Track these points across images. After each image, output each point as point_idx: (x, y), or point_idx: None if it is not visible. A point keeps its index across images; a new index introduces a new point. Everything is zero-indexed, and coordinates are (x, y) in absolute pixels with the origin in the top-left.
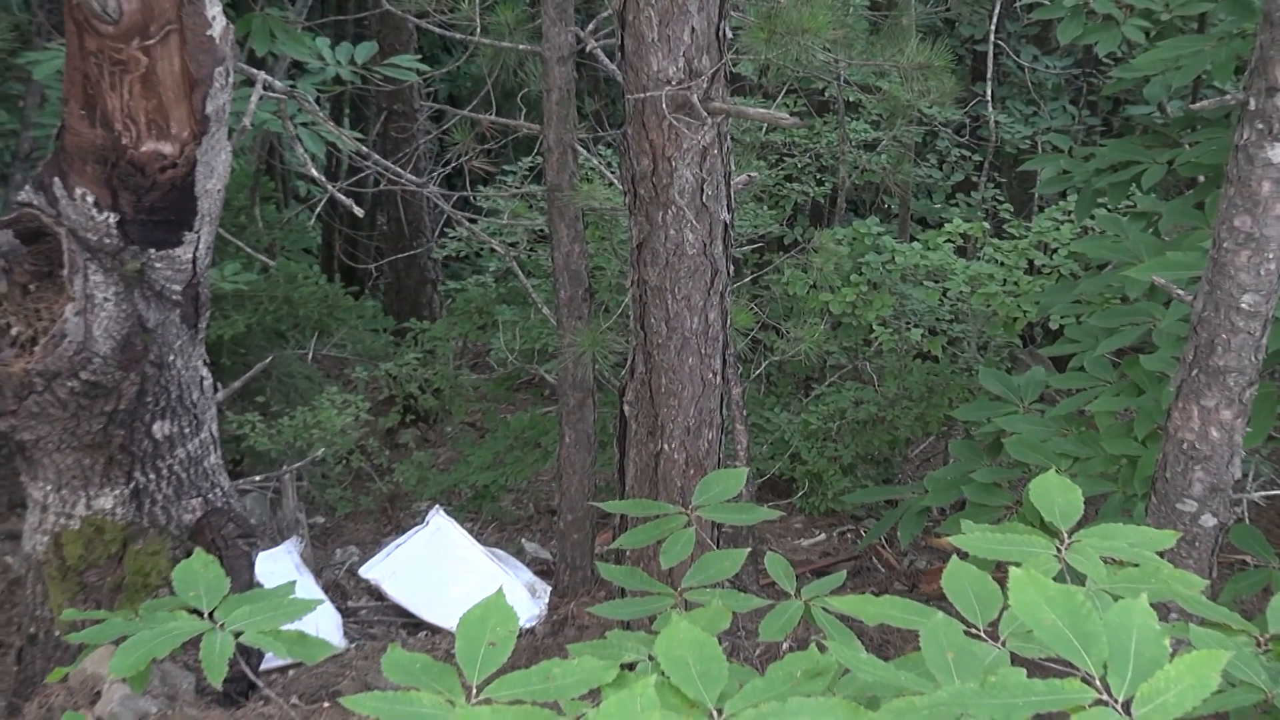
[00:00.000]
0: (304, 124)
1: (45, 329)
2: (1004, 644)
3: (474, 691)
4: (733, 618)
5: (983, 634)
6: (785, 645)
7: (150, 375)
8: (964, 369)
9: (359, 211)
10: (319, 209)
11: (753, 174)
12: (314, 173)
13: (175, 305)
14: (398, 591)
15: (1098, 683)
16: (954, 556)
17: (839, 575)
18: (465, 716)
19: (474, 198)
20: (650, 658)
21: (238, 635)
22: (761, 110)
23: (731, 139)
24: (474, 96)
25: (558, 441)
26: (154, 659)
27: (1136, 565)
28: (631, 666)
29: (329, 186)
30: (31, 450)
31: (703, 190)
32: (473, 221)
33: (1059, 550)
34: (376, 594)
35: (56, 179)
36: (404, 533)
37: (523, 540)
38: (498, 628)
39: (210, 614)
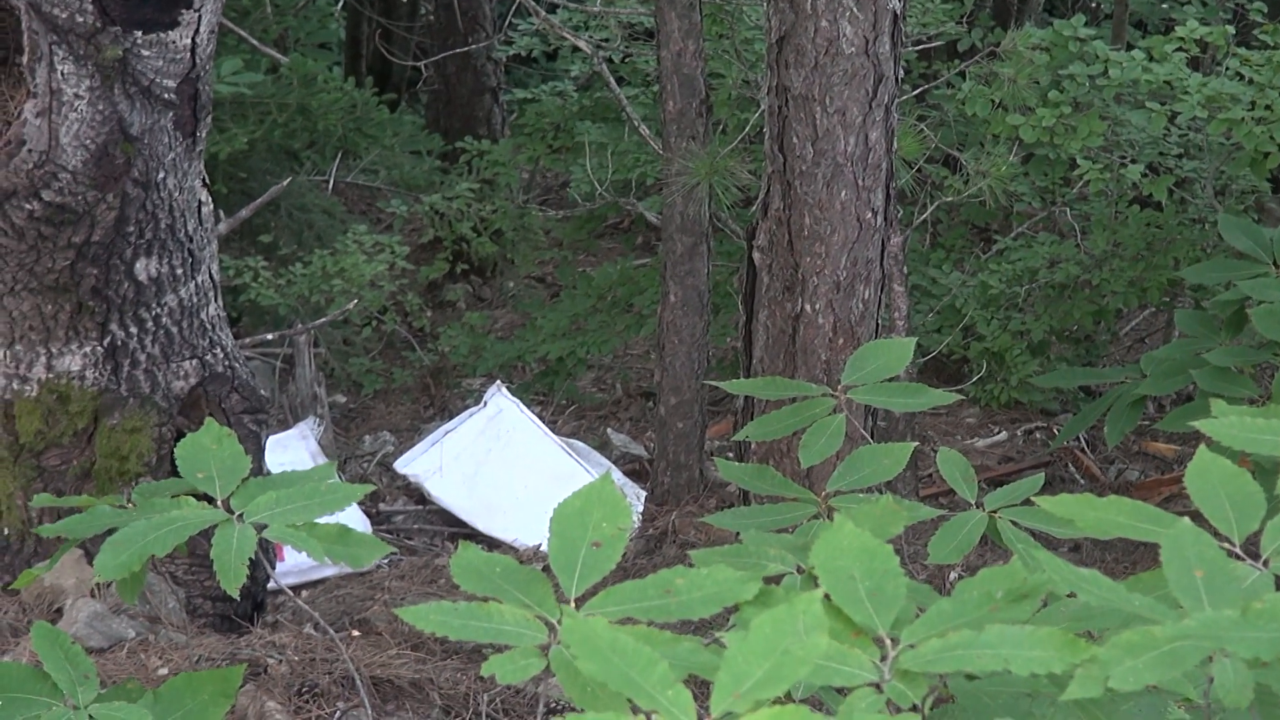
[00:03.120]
0: None
1: None
2: (1267, 563)
3: (573, 605)
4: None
5: (1238, 550)
6: (954, 575)
7: (133, 197)
8: (1196, 219)
9: None
10: None
11: None
12: None
13: (168, 107)
14: (445, 493)
15: None
16: (1202, 447)
17: (1035, 479)
18: (573, 627)
19: None
20: (800, 570)
21: (260, 530)
22: None
23: None
24: None
25: (659, 302)
26: (152, 558)
27: None
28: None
29: None
30: None
31: None
32: (551, 10)
33: None
34: (417, 495)
35: None
36: (453, 417)
37: (608, 431)
38: (604, 524)
39: (225, 501)
